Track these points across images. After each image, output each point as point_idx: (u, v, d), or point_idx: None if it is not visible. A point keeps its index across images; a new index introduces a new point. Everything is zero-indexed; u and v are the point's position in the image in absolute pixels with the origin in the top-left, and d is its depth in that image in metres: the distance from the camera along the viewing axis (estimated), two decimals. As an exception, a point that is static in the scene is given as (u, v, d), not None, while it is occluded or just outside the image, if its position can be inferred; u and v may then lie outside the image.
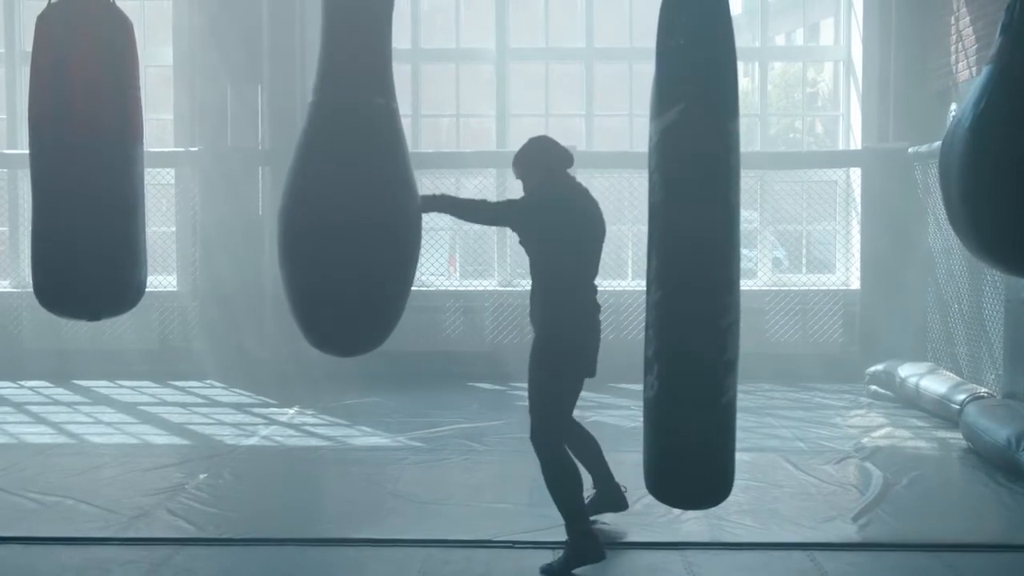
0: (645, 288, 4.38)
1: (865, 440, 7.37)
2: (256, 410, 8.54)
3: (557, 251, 4.81)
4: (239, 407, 8.67)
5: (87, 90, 4.30)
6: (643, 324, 10.38)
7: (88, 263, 4.40)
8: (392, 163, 4.50)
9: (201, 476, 6.32)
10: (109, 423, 8.04)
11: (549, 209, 4.84)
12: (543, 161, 4.99)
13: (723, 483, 4.31)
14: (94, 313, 4.58)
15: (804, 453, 6.95)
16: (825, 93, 21.50)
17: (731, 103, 4.28)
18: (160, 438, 7.55)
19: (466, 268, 11.16)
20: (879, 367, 9.06)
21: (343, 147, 4.35)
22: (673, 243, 4.22)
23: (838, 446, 7.17)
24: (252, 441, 7.40)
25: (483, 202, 5.01)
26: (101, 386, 9.60)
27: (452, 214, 4.95)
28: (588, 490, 5.18)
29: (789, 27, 22.97)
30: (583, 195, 5.00)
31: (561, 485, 4.81)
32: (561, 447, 4.86)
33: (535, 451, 4.87)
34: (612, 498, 5.32)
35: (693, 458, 4.16)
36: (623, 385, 8.57)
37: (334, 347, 4.47)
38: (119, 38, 4.41)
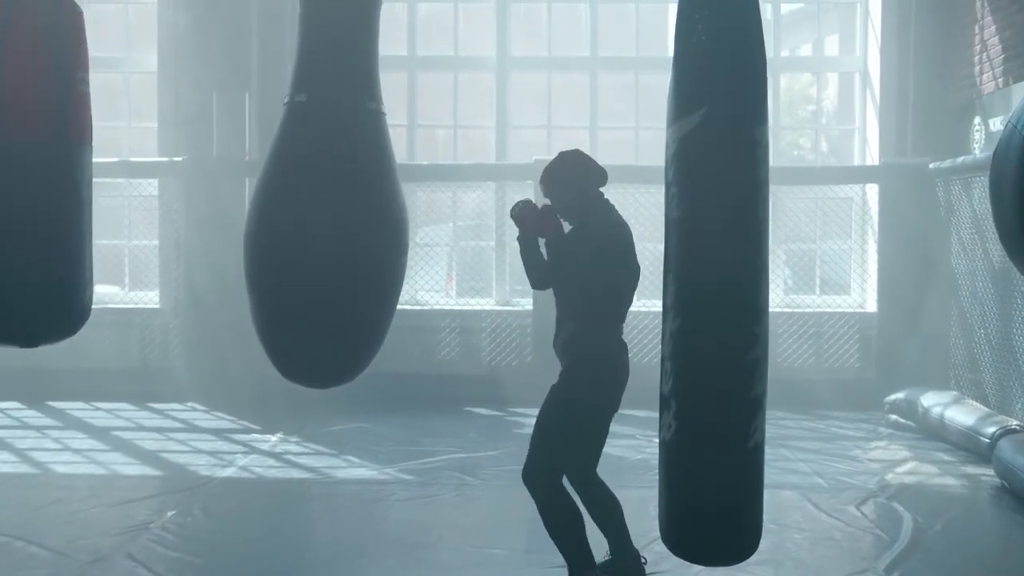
0: (661, 315, 3.91)
1: (889, 476, 6.84)
2: (237, 436, 8.02)
3: (607, 282, 4.34)
4: (219, 433, 8.15)
5: (25, 83, 3.78)
6: (650, 346, 9.99)
7: (23, 281, 3.86)
8: (384, 176, 4.01)
9: (169, 513, 5.79)
10: (78, 450, 7.52)
11: (608, 236, 4.38)
12: (580, 179, 4.48)
13: (750, 538, 3.85)
14: (29, 339, 4.04)
15: (824, 491, 6.42)
16: (830, 110, 21.11)
17: (759, 107, 3.79)
18: (130, 468, 7.02)
19: (462, 286, 10.66)
20: (899, 395, 8.53)
21: (330, 156, 3.86)
22: (693, 265, 3.74)
23: (860, 483, 6.64)
24: (228, 472, 6.87)
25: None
26: (76, 408, 9.07)
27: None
28: (602, 555, 4.63)
29: (794, 44, 22.61)
30: (624, 223, 4.51)
31: (564, 531, 4.32)
32: (560, 488, 4.34)
33: (529, 491, 4.34)
34: (628, 571, 4.73)
35: (716, 509, 3.70)
36: (628, 412, 7.95)
37: (303, 379, 3.98)
38: (65, 25, 3.90)
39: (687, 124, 3.72)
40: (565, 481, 4.41)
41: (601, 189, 4.55)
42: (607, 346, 4.36)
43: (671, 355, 3.82)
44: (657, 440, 3.78)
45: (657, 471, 3.69)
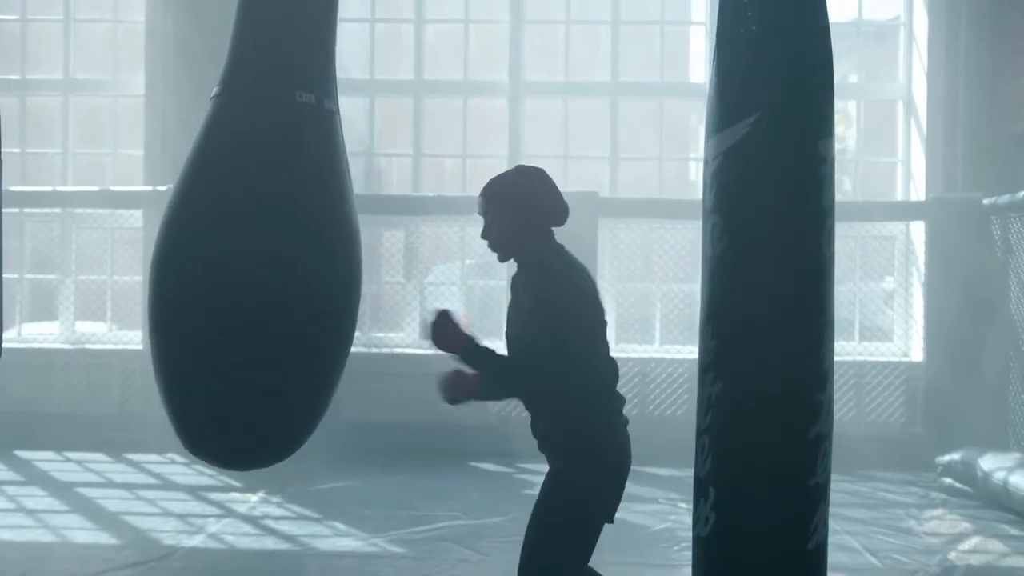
0: (698, 376, 3.13)
1: (952, 556, 5.95)
2: (213, 495, 7.19)
3: (585, 347, 3.38)
4: (194, 491, 7.32)
5: None
6: (675, 396, 9.10)
7: None
8: (321, 193, 3.23)
9: (113, 595, 4.98)
10: (30, 511, 6.69)
11: (575, 280, 3.44)
12: (535, 205, 3.52)
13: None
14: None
15: (880, 574, 5.54)
16: (852, 149, 20.38)
17: (824, 115, 3.01)
18: (84, 534, 6.20)
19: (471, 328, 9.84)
20: (955, 456, 7.63)
21: (245, 168, 3.08)
22: (739, 315, 2.95)
23: (919, 563, 5.76)
24: (195, 541, 6.04)
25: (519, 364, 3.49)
26: (44, 459, 8.28)
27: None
28: None
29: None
30: (584, 266, 3.55)
31: None
32: None
33: None
34: None
35: (766, 634, 2.89)
36: (648, 469, 7.18)
37: (211, 458, 3.20)
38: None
39: (732, 135, 2.94)
40: None
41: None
42: (597, 437, 3.39)
43: (709, 429, 3.04)
44: (692, 526, 2.99)
45: (691, 557, 2.89)
